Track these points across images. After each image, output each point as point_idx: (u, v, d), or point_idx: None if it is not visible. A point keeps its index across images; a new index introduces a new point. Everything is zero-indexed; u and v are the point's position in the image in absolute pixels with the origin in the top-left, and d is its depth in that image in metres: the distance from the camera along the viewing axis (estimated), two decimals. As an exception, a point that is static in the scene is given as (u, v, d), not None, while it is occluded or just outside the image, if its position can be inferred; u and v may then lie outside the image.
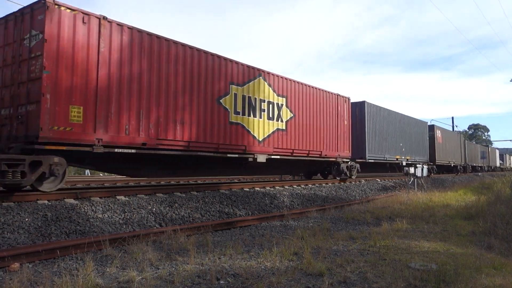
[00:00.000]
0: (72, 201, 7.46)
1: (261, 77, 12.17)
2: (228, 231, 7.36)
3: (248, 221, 8.13)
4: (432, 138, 27.58)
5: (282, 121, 12.98)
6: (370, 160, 18.80)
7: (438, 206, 10.98)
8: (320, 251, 5.31)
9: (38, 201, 7.14)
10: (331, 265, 4.67)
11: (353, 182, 16.90)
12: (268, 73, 12.51)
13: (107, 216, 7.21)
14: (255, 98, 11.91)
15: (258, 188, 11.92)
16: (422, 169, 15.90)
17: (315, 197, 12.59)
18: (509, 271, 4.65)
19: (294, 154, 13.48)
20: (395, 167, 20.42)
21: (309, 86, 14.47)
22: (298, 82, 13.98)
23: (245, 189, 11.52)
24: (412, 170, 15.58)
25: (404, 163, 21.72)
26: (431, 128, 28.04)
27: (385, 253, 5.43)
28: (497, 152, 59.17)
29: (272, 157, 12.42)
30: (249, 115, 11.66)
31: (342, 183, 16.21)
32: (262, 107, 12.16)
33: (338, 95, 16.23)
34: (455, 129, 47.85)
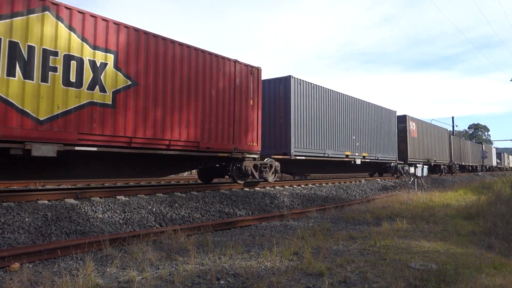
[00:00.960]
0: (72, 201, 7.48)
1: (47, 12, 7.23)
2: (228, 231, 7.36)
3: (248, 221, 8.14)
4: (403, 131, 22.82)
5: (105, 90, 8.04)
6: (299, 157, 13.92)
7: (438, 206, 10.99)
8: (320, 251, 5.32)
9: (38, 201, 7.17)
10: (331, 265, 4.67)
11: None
12: (70, 8, 7.54)
13: (107, 216, 7.22)
14: (32, 47, 7.02)
15: (258, 188, 11.92)
16: (422, 169, 15.95)
17: (315, 197, 12.59)
18: (509, 270, 4.65)
19: (133, 145, 8.57)
20: (358, 167, 17.07)
21: (172, 41, 9.35)
22: (147, 33, 8.83)
23: (245, 189, 11.52)
24: (412, 170, 15.66)
25: (358, 162, 17.86)
26: (402, 119, 22.97)
27: (385, 253, 5.43)
28: (494, 150, 57.24)
29: (77, 148, 7.64)
30: (11, 75, 6.75)
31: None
32: (51, 64, 7.27)
33: (236, 61, 11.12)
34: (455, 128, 47.43)
